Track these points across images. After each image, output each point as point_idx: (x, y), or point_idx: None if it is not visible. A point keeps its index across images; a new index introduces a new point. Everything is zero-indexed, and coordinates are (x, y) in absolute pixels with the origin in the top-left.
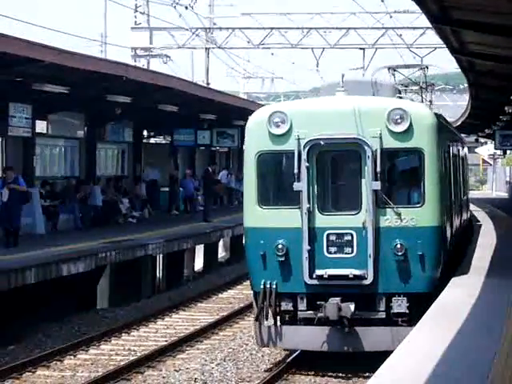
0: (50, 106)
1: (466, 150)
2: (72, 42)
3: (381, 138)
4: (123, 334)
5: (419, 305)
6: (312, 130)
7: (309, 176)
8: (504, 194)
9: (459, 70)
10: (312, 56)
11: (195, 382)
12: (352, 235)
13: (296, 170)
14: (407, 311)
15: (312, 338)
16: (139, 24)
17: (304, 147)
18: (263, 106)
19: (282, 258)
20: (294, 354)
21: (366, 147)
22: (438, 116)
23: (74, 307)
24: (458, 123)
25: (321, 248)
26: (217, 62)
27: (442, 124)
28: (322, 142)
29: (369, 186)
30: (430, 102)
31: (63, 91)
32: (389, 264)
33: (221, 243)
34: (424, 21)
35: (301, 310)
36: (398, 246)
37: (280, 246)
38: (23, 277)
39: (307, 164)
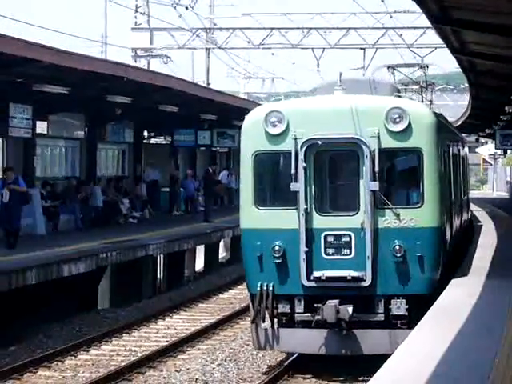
0: (50, 106)
1: (466, 149)
2: (72, 43)
3: (379, 137)
4: (124, 335)
5: (418, 307)
6: (309, 130)
7: (306, 176)
8: (504, 194)
9: (460, 69)
10: (312, 56)
11: (196, 382)
12: (350, 236)
13: (293, 171)
14: (406, 313)
15: (309, 340)
16: (139, 24)
17: (301, 147)
18: None
19: (279, 260)
20: (292, 357)
21: (363, 147)
22: (438, 115)
23: (75, 308)
24: (459, 123)
25: (318, 249)
26: (217, 63)
27: (441, 123)
28: (319, 142)
29: (367, 186)
30: (431, 101)
31: (63, 92)
32: (387, 265)
33: (221, 243)
34: (424, 21)
35: (298, 313)
36: (397, 247)
37: (277, 248)
38: (24, 277)
39: (304, 164)
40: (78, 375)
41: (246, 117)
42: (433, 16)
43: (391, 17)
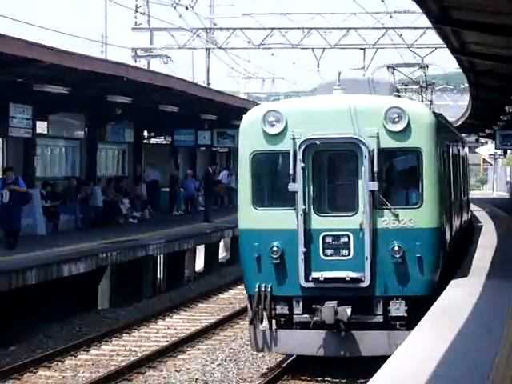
0: (50, 106)
1: (466, 149)
2: (73, 43)
3: (378, 137)
4: (124, 335)
5: (417, 308)
6: (307, 130)
7: (304, 176)
8: (505, 194)
9: (460, 69)
10: (312, 56)
11: (196, 382)
12: (349, 237)
13: (291, 171)
14: (405, 315)
15: (308, 342)
16: (140, 24)
17: (299, 147)
18: None
19: (277, 261)
20: (291, 359)
21: (362, 147)
22: (437, 115)
23: (75, 308)
24: (459, 123)
25: (317, 250)
26: (217, 63)
27: (440, 123)
28: (317, 142)
29: (366, 186)
30: (431, 101)
31: (64, 92)
32: (386, 266)
33: (221, 243)
34: (424, 21)
35: (296, 314)
36: (396, 247)
37: (275, 248)
38: (24, 277)
39: (303, 164)
40: (78, 375)
41: (243, 116)
42: (433, 16)
43: (391, 17)
